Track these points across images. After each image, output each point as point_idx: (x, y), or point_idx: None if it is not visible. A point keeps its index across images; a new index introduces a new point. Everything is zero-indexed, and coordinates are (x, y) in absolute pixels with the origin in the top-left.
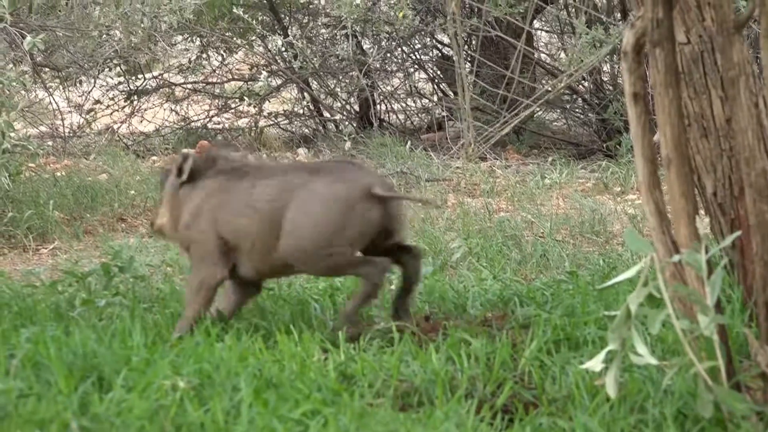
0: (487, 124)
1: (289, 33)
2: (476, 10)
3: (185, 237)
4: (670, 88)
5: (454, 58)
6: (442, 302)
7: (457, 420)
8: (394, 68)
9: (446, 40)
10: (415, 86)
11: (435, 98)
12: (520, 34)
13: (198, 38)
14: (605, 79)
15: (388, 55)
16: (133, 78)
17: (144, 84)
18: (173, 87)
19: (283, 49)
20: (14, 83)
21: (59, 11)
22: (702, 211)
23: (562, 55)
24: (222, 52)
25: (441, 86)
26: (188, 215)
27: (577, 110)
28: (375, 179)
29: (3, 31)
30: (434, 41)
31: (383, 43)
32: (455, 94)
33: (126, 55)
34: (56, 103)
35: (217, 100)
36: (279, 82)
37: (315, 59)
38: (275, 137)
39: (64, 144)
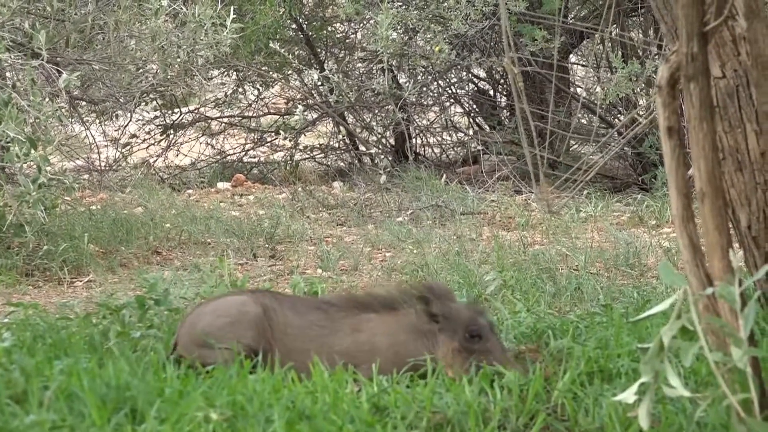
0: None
1: (326, 67)
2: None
3: None
4: (705, 122)
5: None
6: None
7: None
8: (430, 102)
9: (482, 74)
10: (450, 120)
11: (470, 132)
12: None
13: (234, 72)
14: (641, 112)
15: (424, 89)
16: (170, 112)
17: (180, 118)
18: (209, 121)
19: (319, 83)
20: (51, 118)
21: (96, 45)
22: (736, 245)
23: (598, 89)
24: (258, 86)
25: (477, 120)
26: None
27: (612, 144)
28: None
29: (40, 66)
30: (470, 75)
31: (419, 77)
32: (491, 128)
33: (162, 89)
34: (92, 136)
35: (252, 134)
36: (315, 115)
37: (351, 93)
38: (311, 171)
39: (100, 177)
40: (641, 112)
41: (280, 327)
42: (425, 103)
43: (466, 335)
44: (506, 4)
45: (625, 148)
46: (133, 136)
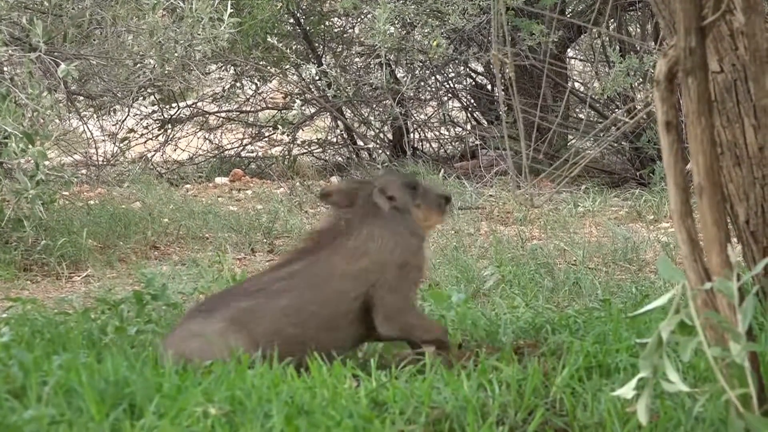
0: (519, 153)
1: (323, 61)
2: (510, 39)
3: None
4: (703, 117)
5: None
6: (474, 329)
7: None
8: (428, 97)
9: (480, 68)
10: (448, 115)
11: (468, 126)
12: (554, 63)
13: (232, 67)
14: (639, 107)
15: (422, 83)
16: (167, 106)
17: (178, 112)
18: (207, 115)
19: (317, 77)
20: (48, 112)
21: (93, 40)
22: (734, 239)
23: (596, 83)
24: (256, 80)
25: (474, 114)
26: None
27: (603, 136)
28: None
29: (37, 59)
30: (468, 70)
31: (417, 72)
32: (489, 122)
33: (160, 84)
34: (90, 131)
35: (250, 129)
36: (312, 110)
37: (349, 88)
38: (308, 165)
39: (98, 172)
40: (637, 106)
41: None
42: (423, 97)
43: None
44: None
45: (623, 143)
46: (131, 130)
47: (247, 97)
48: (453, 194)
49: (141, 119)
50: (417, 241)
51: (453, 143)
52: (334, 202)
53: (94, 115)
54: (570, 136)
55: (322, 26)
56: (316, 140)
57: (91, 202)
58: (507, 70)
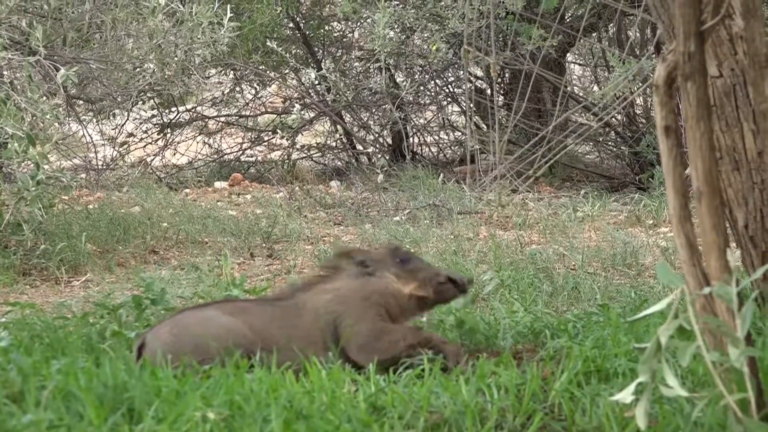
0: (520, 156)
1: (323, 66)
2: (509, 43)
3: None
4: (702, 122)
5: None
6: (473, 334)
7: None
8: (427, 101)
9: (479, 73)
10: (447, 119)
11: (468, 131)
12: (553, 67)
13: (231, 71)
14: (638, 112)
15: (421, 88)
16: (167, 111)
17: (177, 117)
18: (206, 120)
19: (317, 82)
20: (48, 116)
21: (93, 44)
22: (733, 244)
23: (595, 88)
24: (255, 85)
25: (474, 119)
26: None
27: (609, 143)
28: None
29: (37, 63)
30: (467, 74)
31: (416, 76)
32: (488, 127)
33: (159, 88)
34: (90, 135)
35: (250, 133)
36: (312, 114)
37: (348, 92)
38: (308, 170)
39: (97, 176)
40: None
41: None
42: (422, 102)
43: (397, 262)
44: (502, 2)
45: (622, 148)
46: (131, 135)
47: (247, 101)
48: (449, 201)
49: (140, 123)
50: (384, 285)
51: (452, 147)
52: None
53: (94, 120)
54: (569, 141)
55: (322, 31)
56: (315, 144)
57: (91, 206)
58: (495, 72)
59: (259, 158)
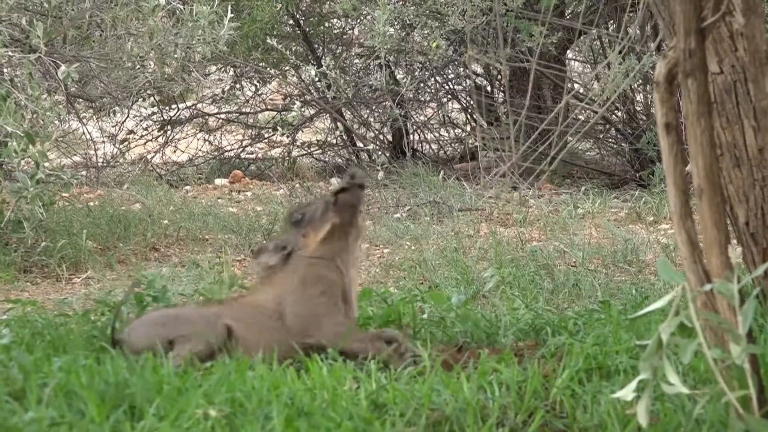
0: (531, 151)
1: (323, 63)
2: (509, 40)
3: None
4: (703, 118)
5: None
6: (474, 331)
7: None
8: (428, 98)
9: (479, 70)
10: (448, 116)
11: (468, 128)
12: (553, 64)
13: (231, 68)
14: (638, 108)
15: (422, 85)
16: (167, 108)
17: (177, 114)
18: (207, 117)
19: (317, 79)
20: (48, 113)
21: (93, 42)
22: (734, 241)
23: (595, 84)
24: (255, 82)
25: (474, 116)
26: None
27: (610, 140)
28: None
29: (38, 61)
30: (467, 71)
31: (416, 73)
32: (489, 124)
33: (159, 86)
34: (90, 133)
35: (250, 130)
36: (312, 112)
37: (348, 89)
38: (308, 167)
39: (98, 174)
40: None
41: None
42: (423, 99)
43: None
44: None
45: (622, 144)
46: (131, 132)
47: (247, 98)
48: (449, 198)
49: (141, 121)
50: (317, 264)
51: (452, 144)
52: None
53: (94, 117)
54: (570, 137)
55: (322, 27)
56: (315, 142)
57: (91, 203)
58: (506, 70)
59: (260, 155)
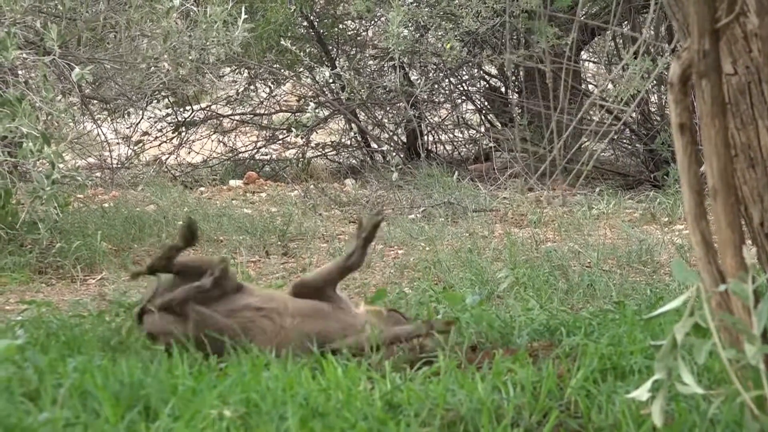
0: (535, 154)
1: (337, 64)
2: (523, 41)
3: None
4: (717, 119)
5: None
6: (488, 331)
7: None
8: (442, 99)
9: (494, 71)
10: (462, 117)
11: (482, 129)
12: (567, 65)
13: (246, 70)
14: (653, 109)
15: (436, 86)
16: (181, 109)
17: (192, 115)
18: (221, 118)
19: (331, 80)
20: (63, 115)
21: (107, 44)
22: (749, 241)
23: (610, 86)
24: (270, 83)
25: (488, 117)
26: None
27: (624, 141)
28: None
29: (52, 63)
30: (482, 72)
31: (431, 75)
32: (503, 125)
33: (174, 87)
34: (104, 134)
35: (264, 132)
36: (326, 113)
37: (362, 90)
38: (323, 168)
39: (112, 175)
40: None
41: None
42: (437, 100)
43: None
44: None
45: (637, 145)
46: (145, 133)
47: (261, 100)
48: (464, 199)
49: (155, 122)
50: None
51: (467, 145)
52: None
53: (108, 119)
54: (584, 138)
55: (336, 29)
56: (330, 143)
57: (106, 204)
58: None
59: (274, 156)
